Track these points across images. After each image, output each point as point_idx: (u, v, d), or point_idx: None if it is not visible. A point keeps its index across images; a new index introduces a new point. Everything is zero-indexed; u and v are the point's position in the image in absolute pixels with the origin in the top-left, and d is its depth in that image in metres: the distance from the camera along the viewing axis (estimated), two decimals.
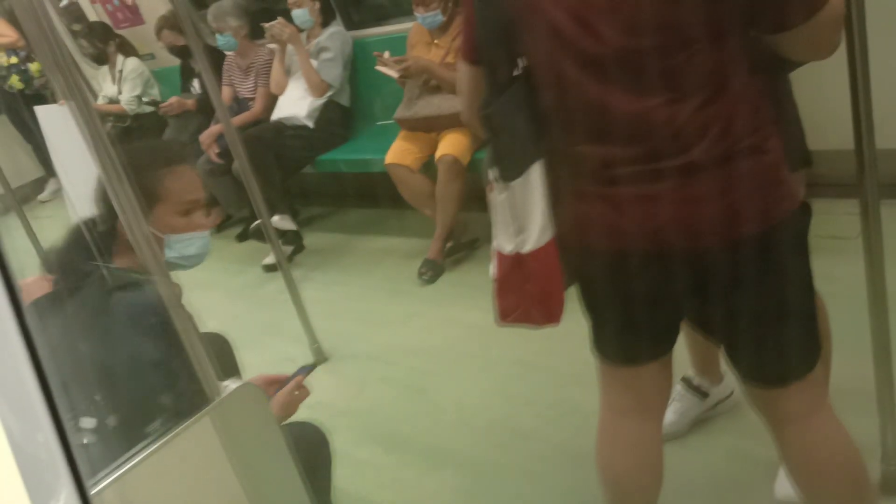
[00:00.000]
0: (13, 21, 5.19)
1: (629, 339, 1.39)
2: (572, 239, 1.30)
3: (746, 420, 1.46)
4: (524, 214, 1.28)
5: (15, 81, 5.71)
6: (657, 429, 1.48)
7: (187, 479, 0.94)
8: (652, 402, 1.47)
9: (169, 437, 0.88)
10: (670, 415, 1.95)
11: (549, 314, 1.36)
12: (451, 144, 3.25)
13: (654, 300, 1.30)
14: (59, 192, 5.55)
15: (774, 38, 1.15)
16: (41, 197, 6.11)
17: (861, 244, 1.50)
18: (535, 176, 1.27)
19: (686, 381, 2.03)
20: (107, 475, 0.83)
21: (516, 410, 2.31)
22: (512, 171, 1.26)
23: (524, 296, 1.35)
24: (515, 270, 1.33)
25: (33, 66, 5.64)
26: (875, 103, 1.40)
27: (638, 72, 1.12)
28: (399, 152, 3.40)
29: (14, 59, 5.67)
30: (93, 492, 0.76)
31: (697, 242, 1.19)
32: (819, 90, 1.90)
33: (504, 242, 1.33)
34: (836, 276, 1.62)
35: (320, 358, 2.88)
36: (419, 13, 3.27)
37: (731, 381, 1.98)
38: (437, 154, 3.27)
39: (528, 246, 1.29)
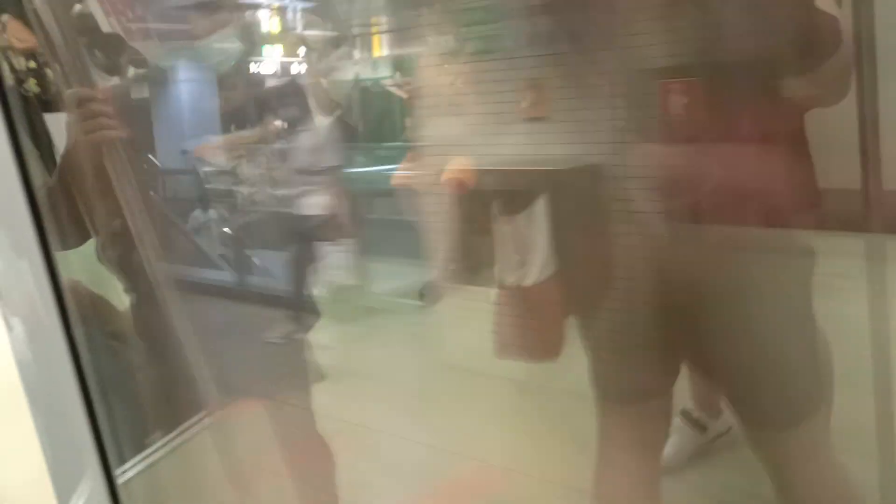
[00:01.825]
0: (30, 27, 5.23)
1: (628, 376, 1.38)
2: (573, 274, 1.29)
3: (745, 455, 1.46)
4: (527, 248, 1.28)
5: (32, 85, 5.74)
6: (655, 465, 1.47)
7: (184, 492, 0.93)
8: (650, 439, 1.45)
9: (166, 451, 0.88)
10: (668, 448, 1.93)
11: (548, 348, 1.35)
12: (458, 167, 3.25)
13: (653, 339, 1.29)
14: None
15: (788, 83, 1.15)
16: None
17: (865, 284, 1.50)
18: (539, 209, 1.26)
19: (685, 414, 2.01)
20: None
21: (514, 438, 2.29)
22: (516, 204, 1.27)
23: (524, 329, 1.34)
24: (516, 303, 1.32)
25: (50, 72, 5.66)
26: (882, 143, 1.40)
27: (643, 112, 1.13)
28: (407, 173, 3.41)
29: (33, 64, 5.70)
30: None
31: (697, 283, 1.19)
32: (827, 128, 1.90)
33: (505, 275, 1.32)
34: (840, 315, 1.62)
35: (319, 376, 2.86)
36: (430, 36, 3.29)
37: (730, 415, 1.97)
38: (444, 176, 3.28)
39: (530, 279, 1.29)
